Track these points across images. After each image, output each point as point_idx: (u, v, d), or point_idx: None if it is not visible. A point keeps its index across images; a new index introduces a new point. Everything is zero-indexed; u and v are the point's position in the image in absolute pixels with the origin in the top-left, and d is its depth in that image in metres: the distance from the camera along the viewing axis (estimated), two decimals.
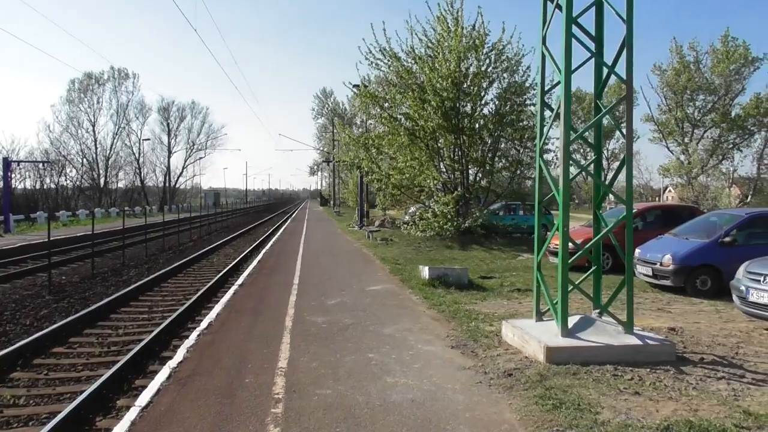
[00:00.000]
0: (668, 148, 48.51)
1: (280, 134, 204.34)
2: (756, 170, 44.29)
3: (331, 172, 77.92)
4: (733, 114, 43.82)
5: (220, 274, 15.58)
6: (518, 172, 23.27)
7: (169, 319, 9.80)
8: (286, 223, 40.70)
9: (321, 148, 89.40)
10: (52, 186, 65.20)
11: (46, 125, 75.04)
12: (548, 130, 7.24)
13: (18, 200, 57.21)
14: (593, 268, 6.97)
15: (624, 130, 6.64)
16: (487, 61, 21.86)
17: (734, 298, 7.90)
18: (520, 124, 22.54)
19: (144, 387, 6.03)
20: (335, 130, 68.87)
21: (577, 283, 6.66)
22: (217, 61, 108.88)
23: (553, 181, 6.96)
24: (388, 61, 22.38)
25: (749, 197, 41.85)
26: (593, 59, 6.80)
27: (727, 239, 10.60)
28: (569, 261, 6.45)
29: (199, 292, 12.58)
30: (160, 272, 16.22)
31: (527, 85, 22.14)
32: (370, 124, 41.29)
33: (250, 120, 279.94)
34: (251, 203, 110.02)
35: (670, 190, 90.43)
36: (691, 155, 42.82)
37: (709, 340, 7.04)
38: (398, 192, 23.98)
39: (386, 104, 23.03)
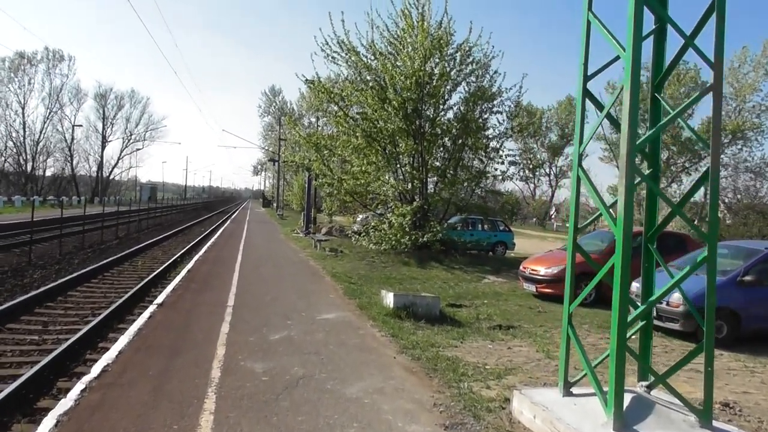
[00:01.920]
0: (618, 168, 48.37)
1: (224, 130, 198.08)
2: (703, 195, 44.48)
3: (276, 172, 74.99)
4: (683, 137, 43.92)
5: (142, 282, 13.19)
6: (481, 184, 21.58)
7: (61, 348, 7.48)
8: (226, 224, 37.86)
9: (266, 148, 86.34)
10: None
11: None
12: (594, 130, 5.37)
13: None
14: (641, 323, 5.08)
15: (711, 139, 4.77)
16: (452, 62, 20.16)
17: None
18: (485, 132, 20.94)
19: None
20: (283, 129, 66.33)
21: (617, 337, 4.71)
22: (158, 46, 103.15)
23: (597, 196, 5.08)
24: (346, 55, 20.36)
25: (696, 221, 41.86)
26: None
27: (748, 278, 9.03)
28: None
29: (109, 309, 10.20)
30: (70, 276, 13.76)
31: (494, 90, 20.55)
32: (320, 126, 39.01)
33: (192, 114, 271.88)
34: (190, 200, 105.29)
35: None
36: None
37: None
38: (350, 199, 21.87)
39: (342, 102, 20.93)
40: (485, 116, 20.47)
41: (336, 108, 21.00)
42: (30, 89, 68.97)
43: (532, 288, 13.21)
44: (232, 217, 51.02)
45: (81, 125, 74.58)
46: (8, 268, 15.50)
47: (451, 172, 20.44)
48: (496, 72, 20.44)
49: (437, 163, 20.52)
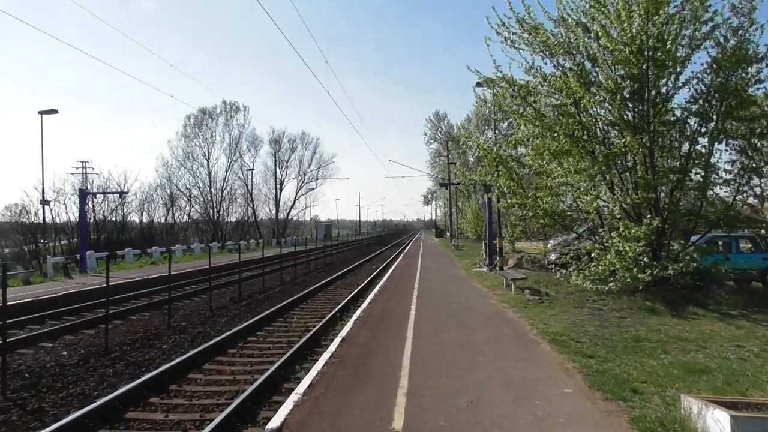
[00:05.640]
0: None
1: (391, 160, 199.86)
2: None
3: (447, 200, 71.10)
4: None
5: (282, 359, 9.58)
6: (745, 186, 14.84)
7: None
8: (398, 260, 34.14)
9: (435, 175, 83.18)
10: (169, 221, 64.40)
11: (164, 161, 75.60)
12: None
13: (133, 235, 56.24)
14: None
15: None
16: (681, 21, 13.98)
17: None
18: (744, 112, 14.31)
19: None
20: (454, 148, 62.59)
21: None
22: (326, 89, 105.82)
23: None
24: (530, 35, 15.31)
25: None
26: None
27: None
28: None
29: (219, 418, 6.44)
30: (203, 347, 10.70)
31: (752, 50, 13.94)
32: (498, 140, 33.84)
33: (357, 148, 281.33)
34: (363, 235, 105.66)
35: None
36: None
37: None
38: (550, 221, 16.45)
39: (529, 96, 15.77)
40: (749, 88, 13.91)
41: (523, 104, 15.90)
42: (212, 141, 73.63)
43: None
44: (405, 251, 47.49)
45: (252, 169, 77.69)
46: (141, 334, 12.77)
47: (700, 173, 14.21)
48: (753, 26, 13.96)
49: (676, 163, 14.41)
